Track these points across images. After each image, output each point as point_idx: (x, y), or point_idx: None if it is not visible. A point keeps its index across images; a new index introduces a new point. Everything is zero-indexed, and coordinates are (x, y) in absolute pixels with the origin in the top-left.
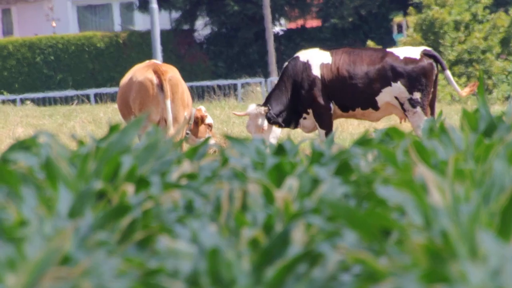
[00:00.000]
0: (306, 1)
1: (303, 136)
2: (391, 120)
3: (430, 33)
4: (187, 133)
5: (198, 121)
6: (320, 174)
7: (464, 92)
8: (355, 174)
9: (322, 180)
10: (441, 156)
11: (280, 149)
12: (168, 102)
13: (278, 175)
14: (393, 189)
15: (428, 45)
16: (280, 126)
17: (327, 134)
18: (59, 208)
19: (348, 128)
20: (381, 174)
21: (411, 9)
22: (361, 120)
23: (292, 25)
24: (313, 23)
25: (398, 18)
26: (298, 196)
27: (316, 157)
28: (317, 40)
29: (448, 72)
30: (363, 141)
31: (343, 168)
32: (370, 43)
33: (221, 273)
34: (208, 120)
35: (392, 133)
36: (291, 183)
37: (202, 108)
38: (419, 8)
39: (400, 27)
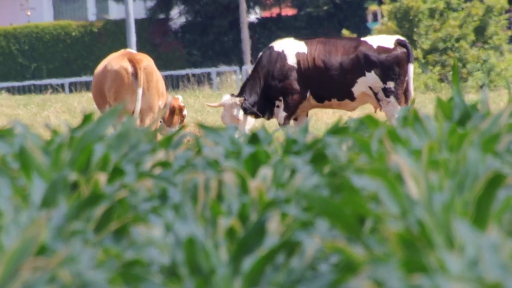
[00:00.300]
0: None
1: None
2: (366, 109)
3: (404, 21)
4: (160, 121)
5: (175, 110)
6: (295, 163)
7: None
8: (330, 163)
9: (297, 169)
10: (415, 145)
11: (254, 138)
12: (140, 91)
13: (253, 164)
14: (367, 178)
15: (403, 34)
16: (256, 116)
17: (288, 118)
18: (33, 198)
19: (323, 117)
20: (355, 163)
21: None
22: (336, 110)
23: (267, 14)
24: (288, 11)
25: (373, 7)
26: (273, 186)
27: (290, 146)
28: (292, 29)
29: (412, 67)
30: (338, 130)
31: (318, 158)
32: (345, 32)
33: (199, 263)
34: (184, 109)
35: (367, 122)
36: (266, 172)
37: (179, 98)
38: None
39: (375, 15)
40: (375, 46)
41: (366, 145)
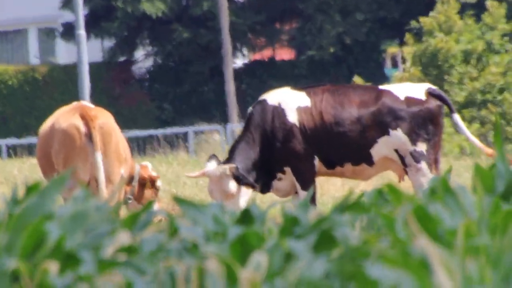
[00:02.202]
0: (275, 27)
1: (273, 200)
2: (384, 178)
3: (432, 67)
4: (128, 198)
5: (146, 182)
6: (295, 248)
7: (489, 151)
8: (339, 247)
9: (298, 255)
10: (447, 225)
11: (244, 217)
12: (99, 156)
13: (243, 249)
14: (386, 267)
15: (430, 82)
16: (253, 187)
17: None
18: None
19: (329, 190)
20: (373, 247)
21: (408, 37)
22: (346, 180)
23: (258, 57)
24: (284, 54)
25: (392, 49)
26: (268, 276)
27: (290, 226)
28: (289, 77)
29: (458, 117)
30: (349, 206)
31: (325, 240)
32: (357, 79)
33: None
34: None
35: (388, 194)
36: (259, 259)
37: (148, 165)
38: (418, 35)
39: (394, 59)
40: (402, 97)
41: (390, 224)
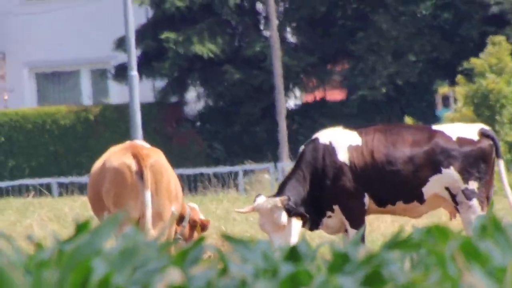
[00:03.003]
0: (327, 68)
1: (322, 237)
2: (433, 217)
3: (483, 107)
4: (178, 238)
5: (196, 224)
6: (344, 285)
7: None
8: (389, 285)
9: None
10: (497, 262)
11: (293, 254)
12: (148, 194)
13: (292, 286)
14: None
15: (482, 122)
16: (303, 217)
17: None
18: None
19: (380, 227)
20: (422, 284)
21: (460, 78)
22: (396, 217)
23: (309, 98)
24: (335, 95)
25: (443, 89)
26: None
27: (339, 263)
28: (340, 117)
29: (502, 165)
30: (398, 243)
31: (373, 278)
32: (408, 119)
33: None
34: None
35: (435, 233)
36: None
37: (195, 207)
38: (469, 76)
39: (446, 100)
40: (454, 137)
41: (441, 260)
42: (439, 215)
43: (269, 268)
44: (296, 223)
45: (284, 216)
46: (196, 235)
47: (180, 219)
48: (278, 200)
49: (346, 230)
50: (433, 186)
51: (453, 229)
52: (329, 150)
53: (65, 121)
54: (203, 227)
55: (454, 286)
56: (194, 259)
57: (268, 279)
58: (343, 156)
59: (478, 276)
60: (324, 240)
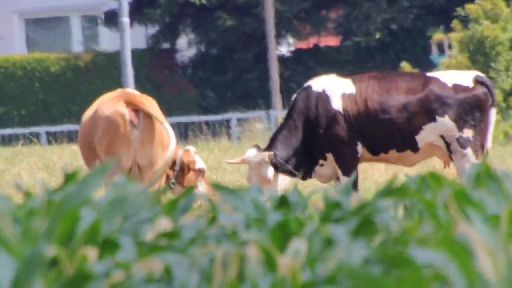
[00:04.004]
0: (320, 14)
1: (314, 186)
2: (427, 165)
3: (479, 54)
4: (172, 183)
5: (185, 167)
6: (335, 233)
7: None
8: (381, 233)
9: (338, 241)
10: (490, 210)
11: (283, 202)
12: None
13: (283, 235)
14: (431, 252)
15: (477, 70)
16: (291, 174)
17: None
18: None
19: (373, 175)
20: (415, 233)
21: (455, 24)
22: (390, 165)
23: (302, 45)
24: (329, 41)
25: (438, 35)
26: (308, 263)
27: (331, 211)
28: (334, 63)
29: (493, 113)
30: (392, 191)
31: (365, 226)
32: (405, 65)
33: None
34: (199, 164)
35: (430, 181)
36: (299, 245)
37: (190, 149)
38: (465, 22)
39: (440, 46)
40: (449, 84)
41: (432, 209)
42: (433, 164)
43: (259, 217)
44: (283, 179)
45: (270, 171)
46: (190, 176)
47: (173, 164)
48: (266, 155)
49: (338, 178)
50: (427, 135)
51: (447, 178)
52: (323, 98)
53: (55, 68)
54: (188, 167)
55: (448, 234)
56: (184, 208)
57: (258, 228)
58: (336, 104)
59: (473, 223)
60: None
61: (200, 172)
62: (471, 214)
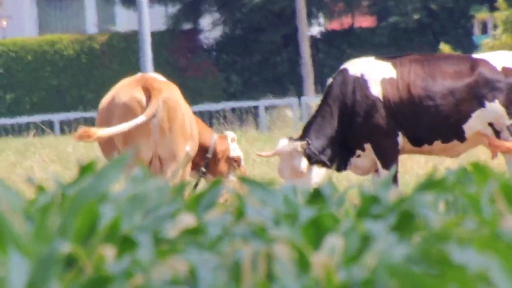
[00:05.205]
0: None
1: (349, 180)
2: (471, 156)
3: None
4: (203, 172)
5: (217, 155)
6: (372, 229)
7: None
8: (421, 230)
9: (376, 237)
10: None
11: (317, 197)
12: (141, 117)
13: (316, 232)
14: (474, 251)
15: None
16: (325, 165)
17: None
18: (12, 281)
19: (413, 168)
20: (457, 229)
21: (500, 2)
22: (430, 157)
23: (335, 25)
24: (364, 22)
25: (481, 15)
26: (344, 262)
27: (368, 206)
28: (369, 46)
29: None
30: (433, 184)
31: (405, 222)
32: (444, 47)
33: None
34: (234, 152)
35: (474, 173)
36: (334, 243)
37: (229, 135)
38: (511, 1)
39: (484, 26)
40: (499, 67)
41: (475, 203)
42: (478, 154)
43: (290, 213)
44: (318, 171)
45: (303, 162)
46: (223, 166)
47: (204, 152)
48: (298, 145)
49: (376, 171)
50: (476, 123)
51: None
52: (360, 83)
53: (68, 51)
54: (234, 161)
55: (492, 231)
56: (209, 203)
57: (289, 224)
58: (376, 90)
59: None
60: (352, 183)
61: (235, 161)
62: None
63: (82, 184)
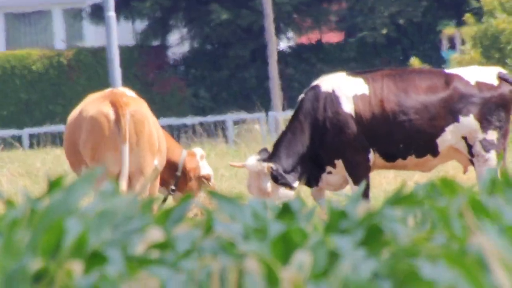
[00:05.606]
0: (322, 6)
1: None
2: (440, 171)
3: (493, 49)
4: (171, 190)
5: (187, 173)
6: (341, 245)
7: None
8: (390, 245)
9: (344, 253)
10: (508, 219)
11: (286, 212)
12: (126, 148)
13: (285, 247)
14: (443, 266)
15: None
16: (290, 188)
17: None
18: None
19: (381, 183)
20: (426, 244)
21: (467, 17)
22: (399, 172)
23: (304, 40)
24: (332, 37)
25: (449, 30)
26: (312, 277)
27: (336, 222)
28: (338, 61)
29: None
30: (401, 199)
31: (374, 237)
32: (414, 61)
33: None
34: (204, 170)
35: (442, 188)
36: (302, 258)
37: (197, 152)
38: (478, 15)
39: (452, 41)
40: (472, 82)
41: (445, 218)
42: (446, 169)
43: (259, 227)
44: (284, 191)
45: (269, 184)
46: (193, 184)
47: (174, 169)
48: (265, 167)
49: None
50: (450, 137)
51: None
52: (332, 99)
53: (36, 66)
54: (205, 178)
55: (461, 246)
56: (178, 217)
57: (258, 239)
58: (347, 106)
59: (488, 235)
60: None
61: (206, 179)
62: (486, 224)
63: (51, 199)
